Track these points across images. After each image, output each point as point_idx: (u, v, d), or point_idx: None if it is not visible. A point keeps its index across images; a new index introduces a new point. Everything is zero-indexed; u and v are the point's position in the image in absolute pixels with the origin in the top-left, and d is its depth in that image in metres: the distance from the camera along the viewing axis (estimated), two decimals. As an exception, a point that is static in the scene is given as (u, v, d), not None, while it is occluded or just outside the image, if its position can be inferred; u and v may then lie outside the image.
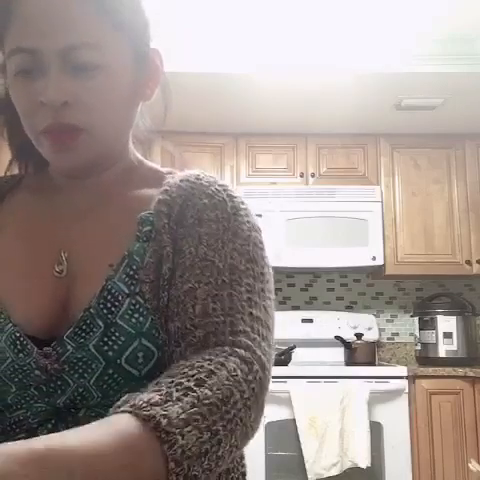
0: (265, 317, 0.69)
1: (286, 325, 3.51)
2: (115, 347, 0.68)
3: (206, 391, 0.57)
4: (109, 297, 0.69)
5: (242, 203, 0.77)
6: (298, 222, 3.45)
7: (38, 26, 0.67)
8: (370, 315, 3.71)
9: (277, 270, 3.43)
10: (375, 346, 3.59)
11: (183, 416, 0.53)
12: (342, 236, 3.44)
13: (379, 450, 2.94)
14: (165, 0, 2.55)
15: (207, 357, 0.62)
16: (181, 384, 0.56)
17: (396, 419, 2.99)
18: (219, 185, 0.78)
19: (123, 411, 0.52)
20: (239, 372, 0.61)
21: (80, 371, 0.69)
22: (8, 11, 0.69)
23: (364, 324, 3.63)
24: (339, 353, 3.58)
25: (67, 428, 0.51)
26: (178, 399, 0.54)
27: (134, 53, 0.74)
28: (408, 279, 3.75)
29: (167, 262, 0.71)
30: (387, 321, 3.80)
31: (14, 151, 0.85)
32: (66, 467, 0.45)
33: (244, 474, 0.77)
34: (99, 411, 0.68)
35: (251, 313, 0.68)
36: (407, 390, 3.02)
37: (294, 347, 3.30)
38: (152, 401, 0.53)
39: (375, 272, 3.66)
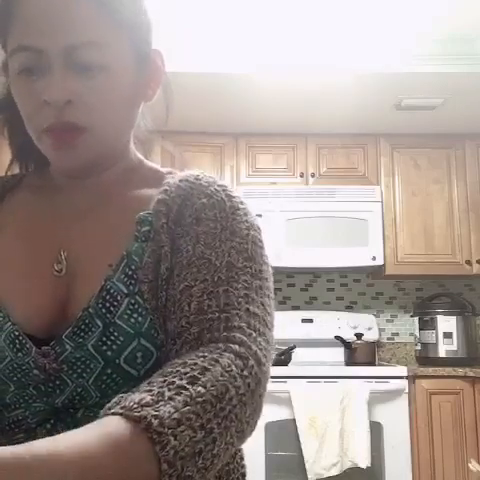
0: (263, 314, 0.68)
1: (286, 325, 3.51)
2: (114, 347, 0.68)
3: (199, 388, 0.56)
4: (108, 297, 0.69)
5: (241, 203, 0.77)
6: (298, 222, 3.45)
7: (39, 26, 0.67)
8: (370, 315, 3.71)
9: (277, 270, 3.42)
10: (375, 346, 3.59)
11: (175, 416, 0.52)
12: (342, 236, 3.44)
13: (379, 450, 2.94)
14: (165, 0, 2.55)
15: (201, 354, 0.61)
16: (173, 383, 0.56)
17: (396, 419, 2.99)
18: (218, 185, 0.78)
19: (114, 413, 0.52)
20: (234, 367, 0.60)
21: (79, 371, 0.69)
22: (9, 12, 0.69)
23: (364, 324, 3.63)
24: (339, 353, 3.58)
25: (66, 428, 0.50)
26: (170, 398, 0.54)
27: (136, 53, 0.75)
28: (408, 279, 3.75)
29: (165, 262, 0.71)
30: (387, 321, 3.80)
31: (15, 150, 0.85)
32: (50, 474, 0.44)
33: (244, 475, 0.77)
34: (98, 411, 0.67)
35: (248, 309, 0.67)
36: (407, 390, 3.02)
37: (294, 347, 3.30)
38: (143, 402, 0.52)
39: (375, 272, 3.66)
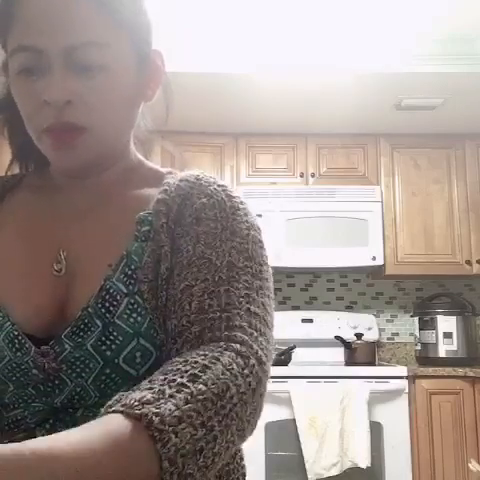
0: (263, 313, 0.69)
1: (286, 325, 3.51)
2: (113, 347, 0.68)
3: (200, 386, 0.56)
4: (107, 297, 0.69)
5: (241, 203, 0.77)
6: (298, 222, 3.45)
7: (39, 26, 0.68)
8: (370, 315, 3.71)
9: (277, 270, 3.44)
10: (375, 346, 3.59)
11: (176, 413, 0.52)
12: (342, 236, 3.44)
13: (379, 450, 2.94)
14: (165, 0, 2.55)
15: (201, 353, 0.61)
16: (174, 381, 0.56)
17: (396, 419, 2.99)
18: (218, 185, 0.78)
19: (114, 411, 0.52)
20: (235, 366, 0.60)
21: (78, 370, 0.69)
22: (10, 12, 0.69)
23: (364, 324, 3.63)
24: (339, 353, 3.58)
25: (65, 428, 0.50)
26: (171, 396, 0.53)
27: (136, 54, 0.75)
28: (408, 279, 3.75)
29: (165, 262, 0.71)
30: (387, 321, 3.80)
31: (15, 150, 0.85)
32: (50, 472, 0.44)
33: (244, 475, 0.77)
34: (97, 411, 0.67)
35: (248, 309, 0.67)
36: (407, 390, 3.02)
37: (294, 347, 3.30)
38: (144, 399, 0.52)
39: (375, 272, 3.66)
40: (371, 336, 3.59)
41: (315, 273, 3.81)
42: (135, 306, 0.69)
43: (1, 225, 0.79)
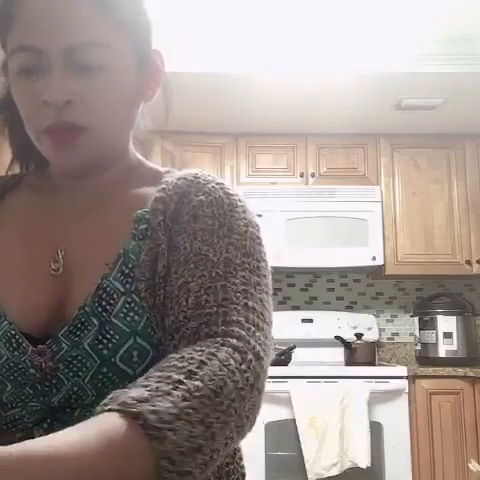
0: (261, 309, 0.68)
1: (286, 325, 3.51)
2: (110, 345, 0.68)
3: (197, 383, 0.55)
4: (104, 295, 0.69)
5: (239, 200, 0.77)
6: (298, 222, 3.45)
7: (39, 26, 0.68)
8: (370, 315, 3.71)
9: (277, 270, 3.44)
10: (375, 346, 3.59)
11: (173, 411, 0.51)
12: (342, 236, 3.44)
13: (379, 450, 2.94)
14: (165, 0, 2.55)
15: (198, 348, 0.60)
16: (170, 377, 0.55)
17: (396, 419, 2.99)
18: (216, 183, 0.78)
19: (110, 409, 0.51)
20: (232, 361, 0.60)
21: (75, 369, 0.69)
22: (10, 12, 0.69)
23: (364, 324, 3.63)
24: (339, 353, 3.58)
25: (63, 427, 0.50)
26: (168, 393, 0.53)
27: (136, 54, 0.75)
28: (408, 279, 3.75)
29: (162, 260, 0.71)
30: (387, 321, 3.80)
31: (15, 150, 0.86)
32: (50, 473, 0.44)
33: (244, 475, 0.77)
34: (94, 410, 0.68)
35: (246, 304, 0.67)
36: (407, 390, 3.02)
37: (294, 347, 3.30)
38: (140, 397, 0.51)
39: (375, 272, 3.66)
40: (371, 336, 3.59)
41: (315, 273, 3.81)
42: (132, 305, 0.69)
43: (1, 225, 0.79)
